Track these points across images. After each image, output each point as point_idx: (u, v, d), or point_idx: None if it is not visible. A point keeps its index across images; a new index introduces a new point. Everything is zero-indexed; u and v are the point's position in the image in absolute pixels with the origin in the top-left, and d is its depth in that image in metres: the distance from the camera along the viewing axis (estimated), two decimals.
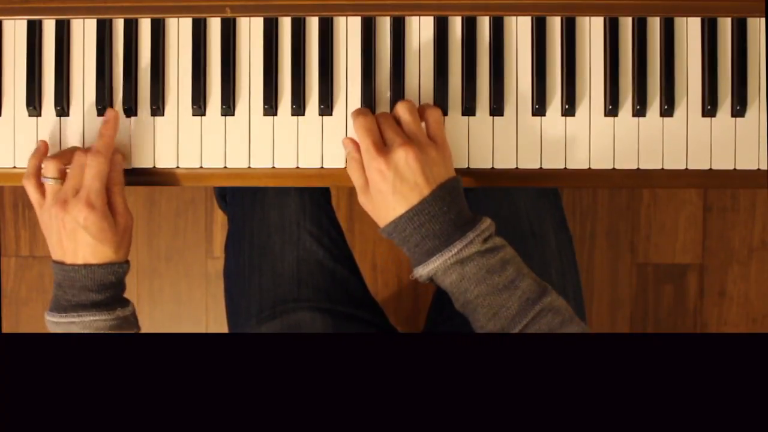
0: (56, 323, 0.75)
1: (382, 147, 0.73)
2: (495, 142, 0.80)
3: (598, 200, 1.54)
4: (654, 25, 0.80)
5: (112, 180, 0.77)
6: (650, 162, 0.80)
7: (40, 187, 0.77)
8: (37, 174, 0.78)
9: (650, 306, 1.56)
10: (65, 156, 0.77)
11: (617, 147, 0.80)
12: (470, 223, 0.71)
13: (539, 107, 0.79)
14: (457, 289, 0.71)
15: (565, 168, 0.80)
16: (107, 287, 0.76)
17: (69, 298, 0.75)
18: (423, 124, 0.76)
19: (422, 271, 0.72)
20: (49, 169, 0.76)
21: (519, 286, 0.70)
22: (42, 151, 0.79)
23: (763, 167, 0.80)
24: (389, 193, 0.72)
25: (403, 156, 0.71)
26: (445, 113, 0.79)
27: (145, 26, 0.80)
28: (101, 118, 0.79)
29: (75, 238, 0.75)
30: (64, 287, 0.75)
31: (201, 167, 0.80)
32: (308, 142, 0.80)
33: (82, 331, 0.74)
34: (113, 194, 0.77)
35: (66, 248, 0.75)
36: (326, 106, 0.79)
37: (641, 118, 0.80)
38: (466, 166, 0.79)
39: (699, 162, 0.80)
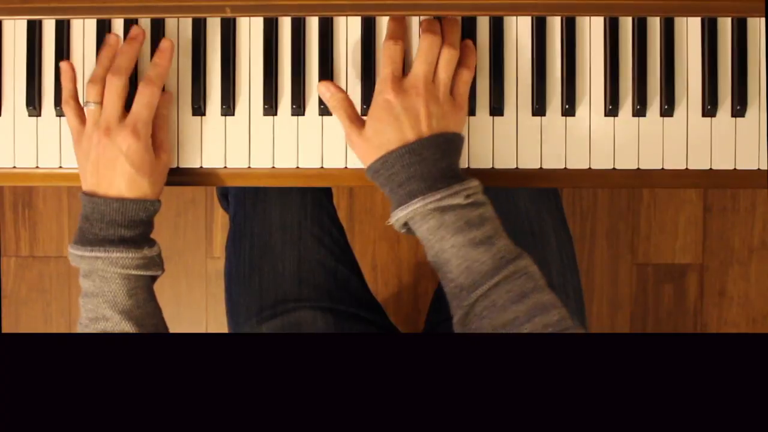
0: (80, 257, 0.73)
1: (399, 79, 0.74)
2: (495, 142, 0.80)
3: (598, 200, 1.54)
4: (654, 25, 0.80)
5: (161, 115, 0.76)
6: (650, 162, 0.80)
7: (80, 111, 0.76)
8: (76, 97, 0.77)
9: (650, 306, 1.56)
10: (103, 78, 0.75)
11: (617, 147, 0.80)
12: (458, 178, 0.71)
13: (539, 107, 0.79)
14: (433, 236, 0.70)
15: (565, 168, 0.80)
16: (137, 224, 0.74)
17: (96, 232, 0.73)
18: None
19: (400, 213, 0.71)
20: (92, 93, 0.75)
21: (495, 244, 0.70)
22: (71, 73, 0.78)
23: (763, 167, 0.80)
24: (389, 124, 0.72)
25: (415, 98, 0.72)
26: None
27: (144, 26, 0.80)
28: None
29: (114, 166, 0.73)
30: (92, 220, 0.73)
31: (201, 167, 0.80)
32: (308, 142, 0.80)
33: (106, 267, 0.72)
34: (160, 129, 0.76)
35: (102, 177, 0.73)
36: (326, 106, 0.79)
37: (641, 118, 0.80)
38: (467, 166, 0.79)
39: (699, 162, 0.80)
